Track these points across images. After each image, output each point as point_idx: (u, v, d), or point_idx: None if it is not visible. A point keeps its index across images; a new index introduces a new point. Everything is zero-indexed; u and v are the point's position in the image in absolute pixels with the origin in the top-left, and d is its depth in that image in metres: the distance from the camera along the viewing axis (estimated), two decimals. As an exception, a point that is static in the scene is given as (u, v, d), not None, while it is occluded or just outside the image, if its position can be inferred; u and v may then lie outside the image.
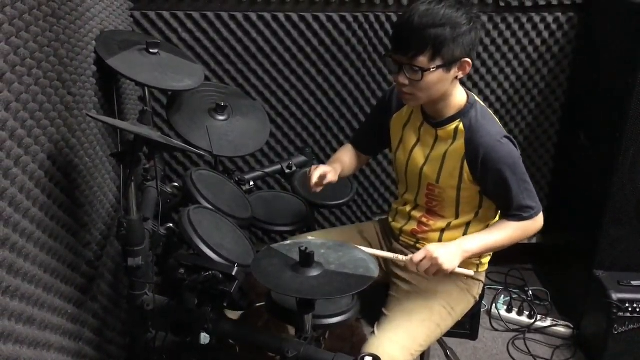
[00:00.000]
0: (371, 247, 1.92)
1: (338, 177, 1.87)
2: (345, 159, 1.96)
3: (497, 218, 1.78)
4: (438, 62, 1.53)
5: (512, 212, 1.68)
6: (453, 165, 1.68)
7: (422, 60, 1.53)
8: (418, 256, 1.59)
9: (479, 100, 1.72)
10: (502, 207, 1.73)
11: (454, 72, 1.58)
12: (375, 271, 1.41)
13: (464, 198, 1.72)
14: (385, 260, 1.93)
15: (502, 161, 1.61)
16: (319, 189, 1.82)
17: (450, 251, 1.60)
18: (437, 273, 1.60)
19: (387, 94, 1.86)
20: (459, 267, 1.61)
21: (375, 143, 2.00)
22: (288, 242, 1.56)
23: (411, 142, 1.79)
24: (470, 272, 1.67)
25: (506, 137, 1.64)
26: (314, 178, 1.80)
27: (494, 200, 1.73)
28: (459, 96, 1.67)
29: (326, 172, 1.81)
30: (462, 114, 1.67)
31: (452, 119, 1.67)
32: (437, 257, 1.57)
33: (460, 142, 1.66)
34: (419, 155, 1.76)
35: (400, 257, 1.64)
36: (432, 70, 1.54)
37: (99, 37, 1.77)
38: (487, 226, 1.79)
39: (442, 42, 1.51)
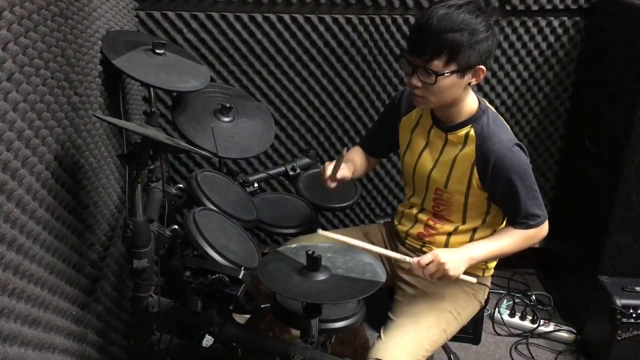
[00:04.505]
0: None
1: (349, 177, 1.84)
2: (356, 159, 1.95)
3: (504, 224, 1.78)
4: (453, 67, 1.52)
5: (519, 219, 1.68)
6: (462, 171, 1.67)
7: (437, 64, 1.52)
8: (425, 259, 1.59)
9: (490, 107, 1.71)
10: (509, 214, 1.73)
11: (468, 78, 1.57)
12: (382, 276, 1.40)
13: (472, 204, 1.71)
14: (391, 264, 1.93)
15: (512, 169, 1.61)
16: (333, 184, 1.78)
17: (457, 257, 1.60)
18: (441, 278, 1.60)
19: (397, 97, 1.86)
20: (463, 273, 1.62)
21: (383, 146, 1.99)
22: (294, 245, 1.55)
23: (420, 145, 1.78)
24: (473, 279, 1.66)
25: (517, 144, 1.64)
26: (329, 170, 1.76)
27: (502, 206, 1.72)
28: (470, 102, 1.66)
29: (339, 166, 1.77)
30: (473, 119, 1.66)
31: (463, 124, 1.67)
32: (444, 262, 1.56)
33: (470, 148, 1.65)
34: (427, 159, 1.76)
35: (407, 258, 1.64)
36: (446, 74, 1.52)
37: (104, 37, 1.76)
38: (493, 232, 1.78)
39: (458, 47, 1.50)
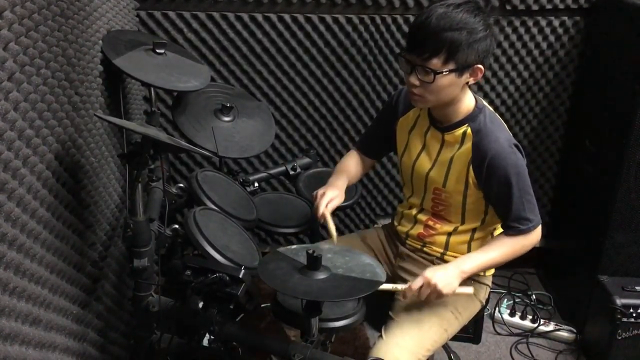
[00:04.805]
0: (374, 254, 1.93)
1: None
2: (351, 167, 1.94)
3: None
4: (451, 66, 1.52)
5: (510, 222, 1.66)
6: (459, 170, 1.67)
7: (436, 62, 1.52)
8: (417, 283, 1.59)
9: (488, 106, 1.71)
10: (501, 215, 1.71)
11: (466, 77, 1.57)
12: (382, 276, 1.40)
13: (470, 204, 1.71)
14: (392, 264, 1.93)
15: (507, 169, 1.60)
16: (328, 215, 1.77)
17: (448, 274, 1.60)
18: (438, 298, 1.60)
19: (394, 98, 1.85)
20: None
21: (380, 147, 1.99)
22: (294, 246, 1.55)
23: (417, 147, 1.78)
24: (470, 290, 1.65)
25: (515, 145, 1.63)
26: (322, 206, 1.76)
27: (495, 207, 1.71)
28: (467, 101, 1.66)
29: (332, 199, 1.78)
30: (470, 118, 1.66)
31: (459, 123, 1.66)
32: (435, 283, 1.56)
33: (467, 146, 1.65)
34: (425, 160, 1.75)
35: (399, 286, 1.63)
36: (444, 73, 1.52)
37: (105, 37, 1.77)
38: (492, 231, 1.79)
39: (457, 46, 1.50)
